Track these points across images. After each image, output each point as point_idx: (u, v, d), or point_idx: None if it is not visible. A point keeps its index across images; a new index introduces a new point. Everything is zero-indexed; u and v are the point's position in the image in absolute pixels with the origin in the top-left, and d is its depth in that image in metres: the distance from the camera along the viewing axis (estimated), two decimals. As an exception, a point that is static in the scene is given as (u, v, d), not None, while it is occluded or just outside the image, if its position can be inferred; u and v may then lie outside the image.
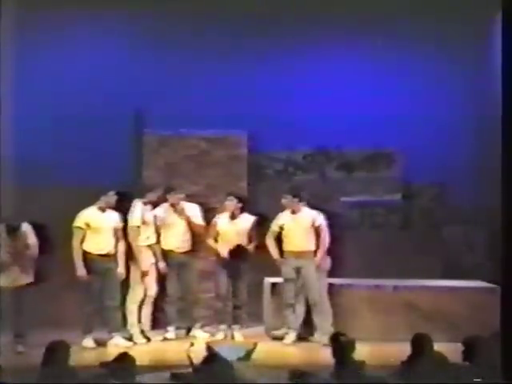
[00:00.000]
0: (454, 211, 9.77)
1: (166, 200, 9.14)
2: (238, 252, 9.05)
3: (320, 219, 8.83)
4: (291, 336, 8.79)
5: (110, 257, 8.77)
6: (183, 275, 9.16)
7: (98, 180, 9.11)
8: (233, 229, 9.10)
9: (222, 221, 9.18)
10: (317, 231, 8.82)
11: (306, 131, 9.72)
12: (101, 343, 8.61)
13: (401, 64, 9.70)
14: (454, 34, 9.55)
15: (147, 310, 9.12)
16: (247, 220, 9.16)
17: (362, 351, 6.10)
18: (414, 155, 9.54)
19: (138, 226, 8.91)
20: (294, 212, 8.87)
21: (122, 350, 6.09)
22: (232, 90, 9.63)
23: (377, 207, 9.82)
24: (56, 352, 5.74)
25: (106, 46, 9.81)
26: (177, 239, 9.13)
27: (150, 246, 9.07)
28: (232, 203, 9.11)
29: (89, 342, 8.61)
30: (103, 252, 8.73)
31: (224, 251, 9.05)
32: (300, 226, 8.83)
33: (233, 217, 9.13)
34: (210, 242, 9.13)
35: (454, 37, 9.57)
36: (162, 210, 9.15)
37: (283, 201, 8.91)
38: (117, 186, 9.08)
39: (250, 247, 9.07)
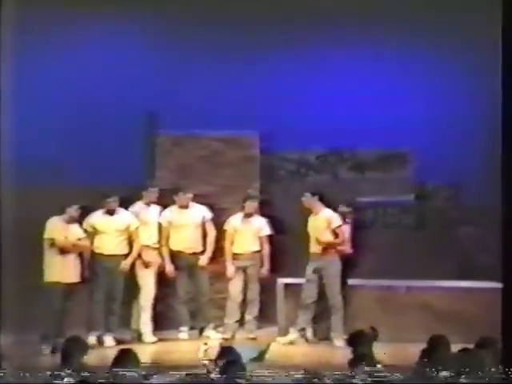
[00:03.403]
0: (468, 212, 9.72)
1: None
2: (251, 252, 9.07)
3: (337, 221, 8.82)
4: (294, 335, 8.77)
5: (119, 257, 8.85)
6: (194, 276, 9.17)
7: (112, 181, 9.13)
8: (247, 229, 9.11)
9: (235, 221, 9.19)
10: (334, 232, 8.82)
11: (318, 132, 9.68)
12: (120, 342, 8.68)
13: (414, 64, 9.66)
14: (467, 33, 9.51)
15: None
16: (260, 221, 9.17)
17: (376, 352, 6.07)
18: (428, 155, 9.49)
19: (137, 227, 8.96)
20: (314, 213, 8.86)
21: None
22: (245, 91, 9.62)
23: (390, 208, 9.78)
24: (73, 349, 5.76)
25: (118, 46, 9.83)
26: (186, 240, 9.13)
27: (154, 246, 9.07)
28: (253, 204, 9.12)
29: (109, 340, 8.66)
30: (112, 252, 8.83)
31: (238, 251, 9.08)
32: (317, 227, 8.81)
33: (247, 217, 9.13)
34: (226, 244, 9.13)
35: (467, 36, 9.53)
36: (170, 211, 9.17)
37: (303, 199, 8.88)
38: (130, 187, 9.13)
39: (265, 249, 9.08)
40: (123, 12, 9.72)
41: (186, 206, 9.20)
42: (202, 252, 9.23)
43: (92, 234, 8.89)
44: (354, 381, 5.43)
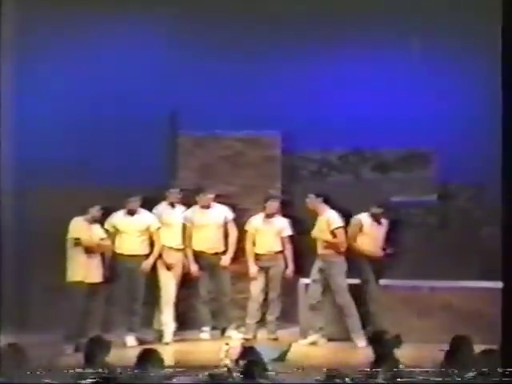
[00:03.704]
0: (492, 211, 9.62)
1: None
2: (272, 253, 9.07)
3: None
4: (315, 336, 8.76)
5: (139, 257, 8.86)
6: (216, 276, 9.17)
7: (134, 181, 9.15)
8: (269, 229, 9.09)
9: (256, 222, 9.18)
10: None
11: (340, 131, 9.65)
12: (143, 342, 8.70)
13: (437, 63, 9.60)
14: (489, 31, 9.43)
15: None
16: (281, 222, 9.15)
17: (399, 352, 6.04)
18: (451, 155, 9.42)
19: (159, 227, 8.96)
20: (318, 214, 8.87)
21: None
22: (266, 91, 9.61)
23: (413, 208, 9.72)
24: (96, 349, 5.78)
25: (141, 48, 9.84)
26: (208, 240, 9.13)
27: (177, 248, 9.09)
28: (274, 204, 9.10)
29: (131, 340, 8.69)
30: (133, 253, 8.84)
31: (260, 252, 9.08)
32: (321, 228, 8.84)
33: (269, 217, 9.11)
34: (248, 245, 9.13)
35: (490, 34, 9.44)
36: (192, 211, 9.18)
37: (307, 200, 8.90)
38: (152, 188, 9.15)
39: (287, 250, 9.07)
40: (145, 11, 9.74)
41: (207, 207, 9.20)
42: (224, 252, 9.23)
43: (113, 234, 8.91)
44: (376, 381, 5.41)
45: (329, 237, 8.79)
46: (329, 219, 8.84)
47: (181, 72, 9.66)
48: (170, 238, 9.10)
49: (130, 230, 8.92)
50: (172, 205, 9.17)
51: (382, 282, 9.00)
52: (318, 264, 8.84)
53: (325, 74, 9.76)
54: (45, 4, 9.47)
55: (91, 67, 9.71)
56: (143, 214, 9.02)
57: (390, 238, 9.02)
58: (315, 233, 8.86)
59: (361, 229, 8.89)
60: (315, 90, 9.67)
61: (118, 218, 8.97)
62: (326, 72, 9.76)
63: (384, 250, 8.88)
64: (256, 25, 9.67)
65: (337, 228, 8.81)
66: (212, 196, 9.21)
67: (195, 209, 9.23)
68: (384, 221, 9.00)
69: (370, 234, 8.89)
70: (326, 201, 8.92)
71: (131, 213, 8.95)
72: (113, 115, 9.57)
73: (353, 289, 8.82)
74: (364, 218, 8.92)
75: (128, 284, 8.88)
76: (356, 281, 8.90)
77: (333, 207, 9.03)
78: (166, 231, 9.06)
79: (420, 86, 9.65)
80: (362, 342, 8.50)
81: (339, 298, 8.76)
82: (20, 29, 9.28)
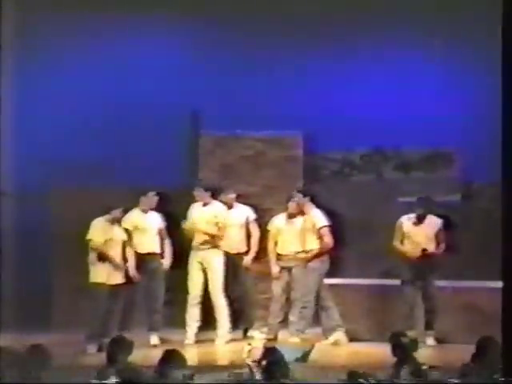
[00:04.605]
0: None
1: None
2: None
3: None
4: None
5: (156, 256, 8.84)
6: (238, 276, 9.15)
7: (154, 181, 9.16)
8: (291, 229, 9.06)
9: (278, 221, 9.15)
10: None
11: (362, 131, 9.61)
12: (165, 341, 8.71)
13: (461, 63, 9.54)
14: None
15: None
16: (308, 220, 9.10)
17: (422, 352, 6.00)
18: (474, 154, 9.35)
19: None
20: (305, 213, 8.90)
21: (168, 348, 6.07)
22: (288, 91, 9.59)
23: (436, 208, 9.64)
24: (118, 349, 5.78)
25: (163, 47, 9.87)
26: (230, 240, 9.11)
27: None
28: (294, 204, 9.06)
29: (154, 339, 8.71)
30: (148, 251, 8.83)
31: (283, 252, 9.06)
32: (307, 228, 8.85)
33: (291, 218, 9.08)
34: (270, 245, 9.11)
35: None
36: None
37: (294, 200, 8.93)
38: (172, 187, 9.15)
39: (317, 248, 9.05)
40: (165, 13, 9.75)
41: (230, 206, 9.18)
42: (246, 252, 9.21)
43: (131, 233, 8.86)
44: (399, 381, 5.37)
45: (313, 238, 8.80)
46: (314, 218, 8.83)
47: (202, 72, 9.66)
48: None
49: (149, 228, 8.89)
50: (144, 211, 9.01)
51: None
52: (283, 263, 8.92)
53: (347, 74, 9.73)
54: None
55: (113, 67, 9.74)
56: (154, 213, 8.99)
57: (441, 238, 8.87)
58: (297, 232, 8.88)
59: (401, 230, 8.83)
60: (337, 90, 9.64)
61: (136, 216, 8.93)
62: (349, 72, 9.73)
63: (424, 250, 8.77)
64: (277, 25, 9.65)
65: (322, 227, 8.79)
66: (234, 196, 9.19)
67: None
68: (430, 220, 8.89)
69: (410, 236, 8.82)
70: (313, 199, 8.90)
71: (146, 211, 8.92)
72: (134, 115, 9.59)
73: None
74: (404, 219, 8.87)
75: (148, 283, 8.86)
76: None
77: (354, 207, 9.01)
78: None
79: (443, 86, 9.59)
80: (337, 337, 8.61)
81: (302, 296, 8.79)
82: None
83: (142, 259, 8.88)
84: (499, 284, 8.86)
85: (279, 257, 9.14)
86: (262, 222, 9.30)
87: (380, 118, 9.56)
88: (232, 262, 9.14)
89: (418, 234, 8.83)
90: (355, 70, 9.72)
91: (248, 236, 9.26)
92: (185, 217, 9.04)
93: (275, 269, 9.09)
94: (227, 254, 9.11)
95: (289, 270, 9.10)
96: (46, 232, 9.49)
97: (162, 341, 8.77)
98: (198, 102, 9.60)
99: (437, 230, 8.85)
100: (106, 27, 9.71)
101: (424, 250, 8.76)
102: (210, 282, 8.91)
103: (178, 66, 9.73)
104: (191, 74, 9.65)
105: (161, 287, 8.93)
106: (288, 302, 9.07)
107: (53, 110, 9.58)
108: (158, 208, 9.06)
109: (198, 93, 9.55)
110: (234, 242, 9.17)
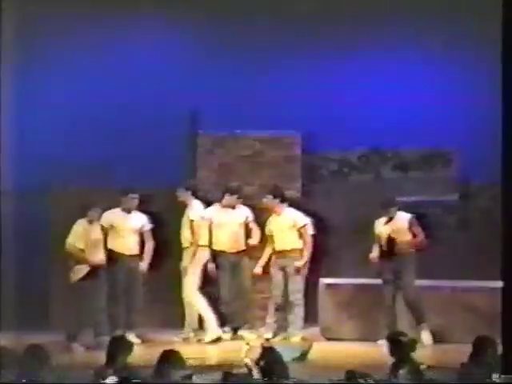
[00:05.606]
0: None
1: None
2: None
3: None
4: None
5: (134, 256, 8.85)
6: (236, 275, 9.16)
7: (153, 181, 9.17)
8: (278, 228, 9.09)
9: (273, 221, 9.18)
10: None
11: (360, 131, 9.62)
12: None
13: (460, 63, 9.55)
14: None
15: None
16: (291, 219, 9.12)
17: (420, 352, 6.01)
18: (472, 154, 9.37)
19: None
20: (276, 213, 9.01)
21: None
22: (286, 91, 9.60)
23: (433, 208, 9.67)
24: (117, 349, 5.80)
25: (162, 47, 9.88)
26: (228, 239, 9.12)
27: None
28: (268, 201, 9.07)
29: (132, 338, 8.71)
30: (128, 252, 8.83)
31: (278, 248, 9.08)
32: (283, 228, 8.94)
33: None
34: (267, 244, 9.14)
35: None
36: (213, 210, 9.17)
37: (264, 200, 9.00)
38: (171, 187, 9.16)
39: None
40: (165, 13, 9.76)
41: (232, 207, 9.19)
42: (245, 251, 9.22)
43: (106, 231, 8.84)
44: (397, 381, 5.38)
45: (294, 235, 8.88)
46: (294, 218, 8.94)
47: (201, 71, 9.67)
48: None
49: (127, 229, 8.89)
50: (128, 210, 9.01)
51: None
52: (279, 262, 8.97)
53: (346, 74, 9.74)
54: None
55: (113, 67, 9.76)
56: (138, 213, 9.00)
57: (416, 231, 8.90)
58: (274, 232, 8.95)
59: (376, 233, 8.89)
60: (335, 90, 9.65)
61: (114, 215, 8.92)
62: (347, 72, 9.74)
63: (391, 240, 8.82)
64: (276, 25, 9.67)
65: (303, 226, 8.88)
66: (239, 198, 9.20)
67: (217, 207, 9.21)
68: (398, 216, 8.91)
69: (382, 235, 8.88)
70: (283, 201, 8.99)
71: (128, 211, 8.91)
72: (133, 115, 9.60)
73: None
74: (377, 222, 8.94)
75: (126, 282, 8.85)
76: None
77: (352, 206, 9.04)
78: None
79: (442, 86, 9.61)
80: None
81: (292, 295, 8.90)
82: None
83: (121, 258, 8.85)
84: (498, 284, 8.91)
85: (277, 256, 9.16)
86: (260, 221, 9.31)
87: (378, 117, 9.58)
88: (231, 261, 9.15)
89: (388, 230, 8.85)
90: (354, 70, 9.74)
91: (247, 235, 9.26)
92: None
93: (273, 269, 9.12)
94: (225, 253, 9.13)
95: (286, 268, 9.11)
96: (46, 232, 9.50)
97: (144, 340, 8.73)
98: (196, 102, 9.60)
99: (408, 224, 8.83)
100: (105, 27, 9.73)
101: (392, 239, 8.75)
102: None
103: (177, 66, 9.74)
104: (190, 73, 9.66)
105: (138, 287, 8.91)
106: (284, 302, 9.09)
107: (53, 110, 9.59)
108: (150, 208, 9.07)
109: (197, 93, 9.56)
110: (233, 241, 9.16)
